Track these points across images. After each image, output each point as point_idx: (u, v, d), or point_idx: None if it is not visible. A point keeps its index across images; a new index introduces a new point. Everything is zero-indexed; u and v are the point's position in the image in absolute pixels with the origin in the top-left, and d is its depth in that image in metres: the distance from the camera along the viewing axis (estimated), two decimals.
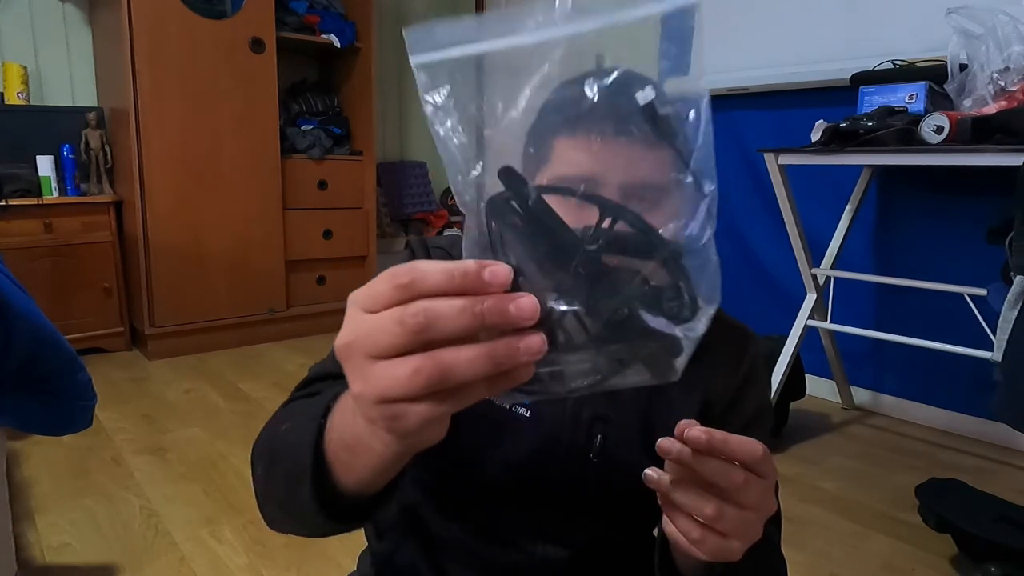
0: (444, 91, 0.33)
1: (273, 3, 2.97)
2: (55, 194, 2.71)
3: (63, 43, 2.97)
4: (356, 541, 0.69)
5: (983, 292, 1.68)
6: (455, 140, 0.33)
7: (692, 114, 0.34)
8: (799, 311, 2.15)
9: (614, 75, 0.35)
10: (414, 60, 0.33)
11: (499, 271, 0.30)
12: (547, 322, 0.31)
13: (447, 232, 4.18)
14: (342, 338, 0.32)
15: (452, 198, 4.27)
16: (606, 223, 0.33)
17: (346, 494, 0.42)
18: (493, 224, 0.34)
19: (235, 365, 2.82)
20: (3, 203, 2.52)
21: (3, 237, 2.54)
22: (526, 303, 0.30)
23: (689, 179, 0.35)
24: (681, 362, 0.34)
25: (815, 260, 2.17)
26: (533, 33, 0.33)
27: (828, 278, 2.17)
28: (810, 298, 2.16)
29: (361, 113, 3.44)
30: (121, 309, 2.91)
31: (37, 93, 2.89)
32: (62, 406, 1.10)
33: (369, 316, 0.31)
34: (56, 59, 2.96)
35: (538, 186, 0.33)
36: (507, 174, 0.33)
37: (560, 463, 0.62)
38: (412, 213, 4.07)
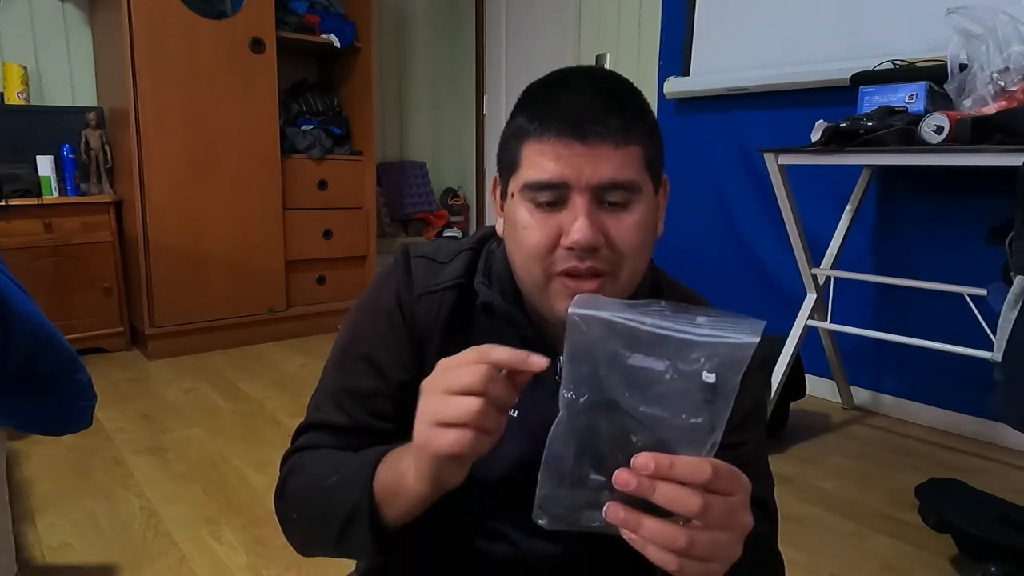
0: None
1: (273, 3, 2.97)
2: (55, 194, 2.71)
3: (63, 43, 2.97)
4: None
5: (983, 292, 1.68)
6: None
7: (732, 386, 0.41)
8: (799, 311, 2.15)
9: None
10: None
11: None
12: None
13: (447, 233, 4.18)
14: None
15: (452, 198, 4.28)
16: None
17: (388, 529, 0.55)
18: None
19: (235, 365, 2.82)
20: (3, 203, 2.52)
21: (3, 237, 2.54)
22: None
23: (700, 420, 0.42)
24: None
25: (815, 260, 2.17)
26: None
27: (828, 278, 2.16)
28: (810, 298, 2.16)
29: (361, 113, 3.44)
30: (121, 309, 2.91)
31: (37, 93, 2.89)
32: (62, 406, 1.09)
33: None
34: (56, 59, 2.96)
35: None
36: None
37: None
38: (412, 213, 4.07)
